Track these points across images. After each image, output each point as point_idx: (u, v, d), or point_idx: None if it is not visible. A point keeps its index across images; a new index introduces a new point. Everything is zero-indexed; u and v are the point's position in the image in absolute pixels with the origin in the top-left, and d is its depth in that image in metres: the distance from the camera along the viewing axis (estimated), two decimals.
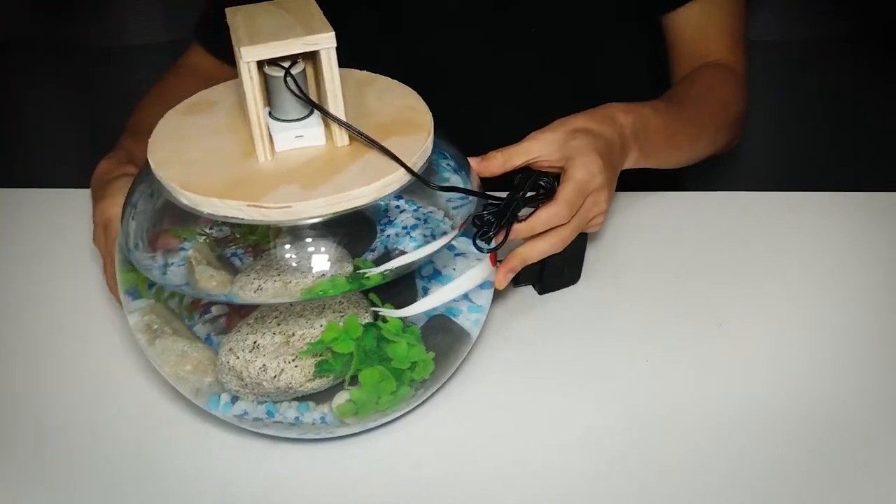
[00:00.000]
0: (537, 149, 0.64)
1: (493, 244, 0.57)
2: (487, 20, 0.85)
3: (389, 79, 0.60)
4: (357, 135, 0.52)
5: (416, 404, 0.59)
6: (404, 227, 0.56)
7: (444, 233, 0.55)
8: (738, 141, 0.89)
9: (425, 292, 0.56)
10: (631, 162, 0.71)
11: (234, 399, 0.54)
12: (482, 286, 0.59)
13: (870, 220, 0.76)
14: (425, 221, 0.56)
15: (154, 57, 1.28)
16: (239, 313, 0.56)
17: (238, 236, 0.55)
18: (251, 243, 0.54)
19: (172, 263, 0.54)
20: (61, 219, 0.80)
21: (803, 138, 1.31)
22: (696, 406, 0.59)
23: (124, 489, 0.55)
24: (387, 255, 0.54)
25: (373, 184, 0.49)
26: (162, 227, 0.53)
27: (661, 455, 0.56)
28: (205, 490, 0.55)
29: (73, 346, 0.67)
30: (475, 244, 0.56)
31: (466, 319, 0.58)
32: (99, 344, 0.67)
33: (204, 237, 0.54)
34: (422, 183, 0.52)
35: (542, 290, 0.70)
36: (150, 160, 0.52)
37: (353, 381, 0.53)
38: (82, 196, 0.84)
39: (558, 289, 0.70)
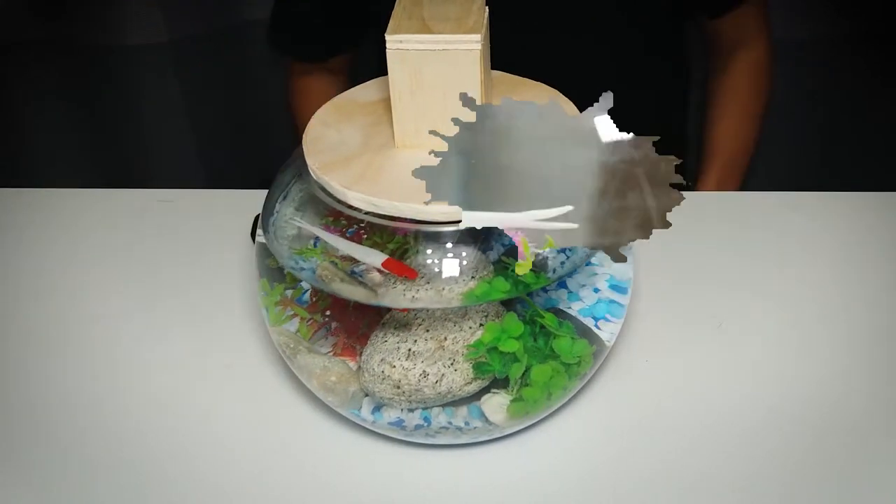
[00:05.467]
0: None
1: None
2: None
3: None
4: None
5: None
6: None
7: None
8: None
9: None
10: None
11: (379, 407, 0.54)
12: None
13: (870, 220, 0.76)
14: None
15: (154, 57, 1.28)
16: (346, 330, 0.55)
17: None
18: (387, 254, 0.53)
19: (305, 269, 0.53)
20: (61, 219, 0.80)
21: (803, 138, 1.31)
22: (696, 406, 0.59)
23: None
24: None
25: None
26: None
27: (661, 455, 0.56)
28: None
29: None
30: None
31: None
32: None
33: (328, 257, 0.53)
34: None
35: None
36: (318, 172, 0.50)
37: (506, 381, 0.52)
38: (83, 196, 0.85)
39: None
